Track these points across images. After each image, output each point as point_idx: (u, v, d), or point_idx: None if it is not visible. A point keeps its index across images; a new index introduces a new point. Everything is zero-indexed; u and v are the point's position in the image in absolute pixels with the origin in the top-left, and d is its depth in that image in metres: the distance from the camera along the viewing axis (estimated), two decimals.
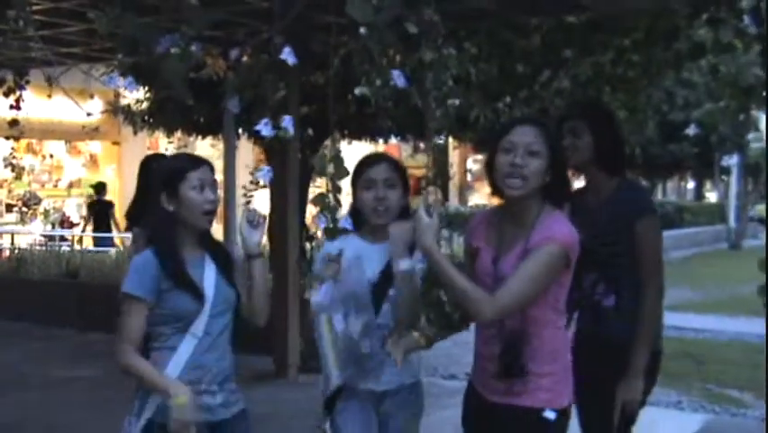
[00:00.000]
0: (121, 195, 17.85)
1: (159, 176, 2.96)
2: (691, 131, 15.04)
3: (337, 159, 3.31)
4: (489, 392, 2.82)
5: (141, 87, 9.25)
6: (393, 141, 10.60)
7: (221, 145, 10.99)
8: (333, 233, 3.19)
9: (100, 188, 15.08)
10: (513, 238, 2.73)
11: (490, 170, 2.75)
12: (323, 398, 3.08)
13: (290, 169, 7.25)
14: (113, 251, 12.41)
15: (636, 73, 7.07)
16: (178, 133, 11.42)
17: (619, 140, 3.51)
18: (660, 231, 3.40)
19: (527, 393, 2.73)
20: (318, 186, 9.34)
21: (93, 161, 18.58)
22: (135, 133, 11.30)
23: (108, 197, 15.09)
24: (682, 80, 14.61)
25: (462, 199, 26.15)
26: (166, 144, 15.65)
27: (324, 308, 2.97)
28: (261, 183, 3.65)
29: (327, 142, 3.64)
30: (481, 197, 25.49)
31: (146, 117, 10.65)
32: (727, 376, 7.55)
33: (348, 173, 3.19)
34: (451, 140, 11.91)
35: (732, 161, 25.86)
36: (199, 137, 10.90)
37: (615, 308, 3.34)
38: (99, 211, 14.49)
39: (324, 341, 3.00)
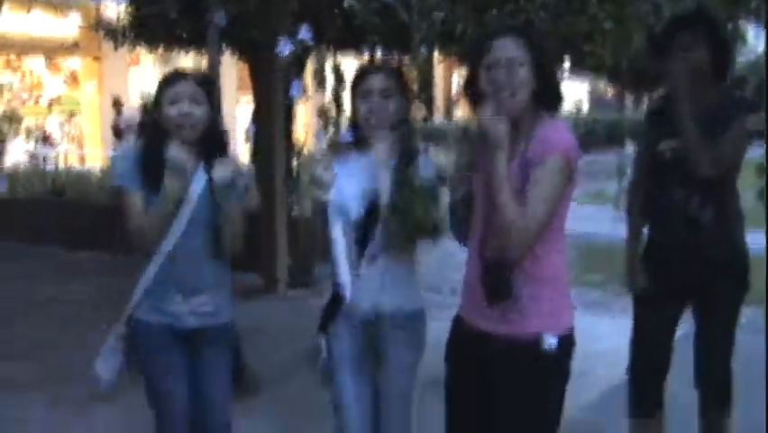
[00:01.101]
0: (101, 111, 17.71)
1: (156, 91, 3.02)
2: None
3: (337, 71, 3.28)
4: (481, 319, 2.61)
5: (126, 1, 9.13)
6: (379, 55, 10.51)
7: (205, 61, 10.89)
8: (335, 147, 3.11)
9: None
10: (510, 151, 2.51)
11: (473, 89, 2.59)
12: (324, 309, 2.98)
13: (275, 87, 7.21)
14: (98, 169, 12.38)
15: None
16: (161, 49, 11.27)
17: (729, 48, 3.40)
18: (745, 131, 3.26)
19: (524, 319, 2.52)
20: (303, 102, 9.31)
21: (73, 77, 18.34)
22: (116, 48, 11.15)
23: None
24: None
25: (448, 114, 26.06)
26: (150, 61, 15.54)
27: (338, 208, 2.85)
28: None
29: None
30: (466, 112, 25.40)
31: (126, 32, 10.51)
32: None
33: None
34: (436, 54, 11.79)
35: None
36: (182, 52, 10.76)
37: (714, 221, 3.29)
38: None
39: (338, 246, 2.86)
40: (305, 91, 3.38)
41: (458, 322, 2.74)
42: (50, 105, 18.11)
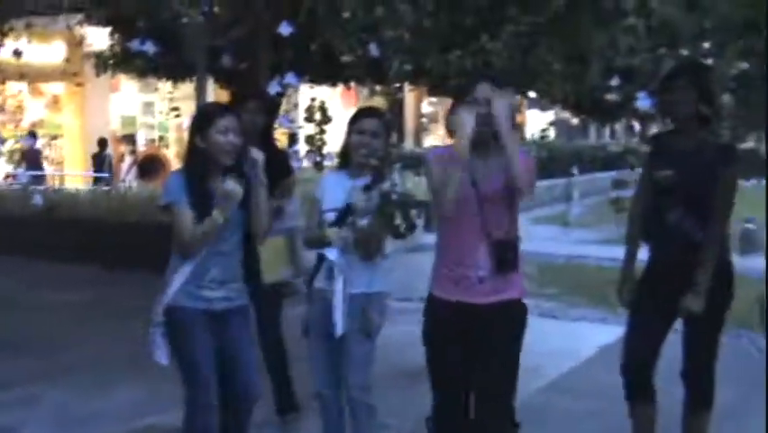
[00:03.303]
0: (83, 136, 18.14)
1: (194, 120, 3.63)
2: (615, 82, 15.22)
3: (322, 109, 4.00)
4: (473, 296, 3.32)
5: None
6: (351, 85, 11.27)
7: (184, 88, 11.57)
8: (320, 167, 3.85)
9: None
10: (493, 162, 3.30)
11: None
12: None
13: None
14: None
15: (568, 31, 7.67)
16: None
17: (713, 95, 3.89)
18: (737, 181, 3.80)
19: (513, 288, 3.35)
20: (280, 130, 9.97)
21: (55, 101, 18.78)
22: (98, 75, 11.86)
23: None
24: (626, 27, 15.22)
25: (417, 141, 26.78)
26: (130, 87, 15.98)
27: (342, 267, 3.63)
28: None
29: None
30: (435, 138, 26.12)
31: (111, 62, 11.27)
32: None
33: (331, 120, 3.85)
34: (406, 85, 12.58)
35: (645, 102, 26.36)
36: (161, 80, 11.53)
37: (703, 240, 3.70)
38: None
39: (338, 299, 3.64)
40: (292, 121, 4.05)
41: (437, 303, 3.45)
42: (31, 127, 18.54)
